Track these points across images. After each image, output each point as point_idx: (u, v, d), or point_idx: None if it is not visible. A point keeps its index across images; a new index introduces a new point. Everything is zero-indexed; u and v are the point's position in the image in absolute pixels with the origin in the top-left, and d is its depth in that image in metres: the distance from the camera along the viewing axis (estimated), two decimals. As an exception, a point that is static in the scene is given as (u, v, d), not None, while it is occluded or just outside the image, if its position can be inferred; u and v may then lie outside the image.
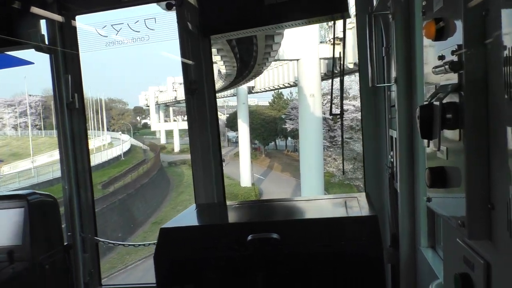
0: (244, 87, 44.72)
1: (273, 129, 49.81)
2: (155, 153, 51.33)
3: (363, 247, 2.38)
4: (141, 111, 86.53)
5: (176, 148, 64.90)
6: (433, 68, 1.42)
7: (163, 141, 72.62)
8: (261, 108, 58.45)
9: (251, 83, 44.83)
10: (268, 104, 57.54)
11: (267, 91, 44.05)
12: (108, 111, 75.54)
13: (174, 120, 73.53)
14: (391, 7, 2.64)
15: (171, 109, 74.37)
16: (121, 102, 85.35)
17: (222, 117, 67.60)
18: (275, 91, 49.50)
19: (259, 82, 43.77)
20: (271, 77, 39.14)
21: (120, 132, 56.34)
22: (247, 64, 24.90)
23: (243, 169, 40.39)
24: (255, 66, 24.85)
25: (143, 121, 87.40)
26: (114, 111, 79.49)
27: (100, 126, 59.62)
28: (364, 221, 2.56)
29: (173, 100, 62.81)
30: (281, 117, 46.26)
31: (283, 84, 36.39)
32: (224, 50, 21.61)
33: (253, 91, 47.14)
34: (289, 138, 51.48)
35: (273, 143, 56.35)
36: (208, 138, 3.70)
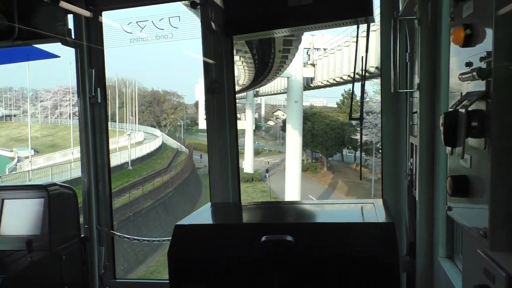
0: (298, 80, 33.69)
1: (339, 138, 39.68)
2: (187, 156, 42.56)
3: (379, 254, 2.35)
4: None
5: None
6: (460, 74, 1.39)
7: None
8: (327, 110, 47.47)
9: (309, 74, 33.77)
10: (336, 106, 46.03)
11: (332, 85, 31.60)
12: (161, 104, 70.21)
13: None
14: (418, 12, 2.60)
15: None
16: (176, 95, 74.42)
17: (285, 116, 62.37)
18: (346, 88, 37.57)
19: (321, 71, 31.70)
20: (338, 63, 27.15)
21: (127, 132, 44.01)
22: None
23: (289, 189, 30.54)
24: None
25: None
26: (167, 105, 71.78)
27: (114, 119, 53.96)
28: (381, 228, 2.52)
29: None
30: (351, 123, 35.93)
31: (358, 74, 24.17)
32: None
33: (311, 85, 34.50)
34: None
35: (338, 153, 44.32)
36: (226, 138, 3.71)
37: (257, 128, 64.27)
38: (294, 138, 32.90)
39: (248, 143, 47.26)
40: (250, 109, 49.46)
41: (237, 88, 38.99)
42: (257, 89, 47.31)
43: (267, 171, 43.25)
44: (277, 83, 41.89)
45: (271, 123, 68.12)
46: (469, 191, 1.35)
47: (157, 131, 52.73)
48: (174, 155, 44.44)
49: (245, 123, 48.81)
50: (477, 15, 1.33)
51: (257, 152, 55.15)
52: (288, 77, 35.01)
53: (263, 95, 55.01)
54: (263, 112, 72.93)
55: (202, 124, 56.58)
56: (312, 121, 41.14)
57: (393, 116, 3.36)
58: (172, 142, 51.76)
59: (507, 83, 1.17)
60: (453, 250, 2.46)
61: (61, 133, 54.21)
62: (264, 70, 27.36)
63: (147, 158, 38.59)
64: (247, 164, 44.73)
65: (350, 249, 2.38)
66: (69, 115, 60.70)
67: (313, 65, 33.87)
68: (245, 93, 49.18)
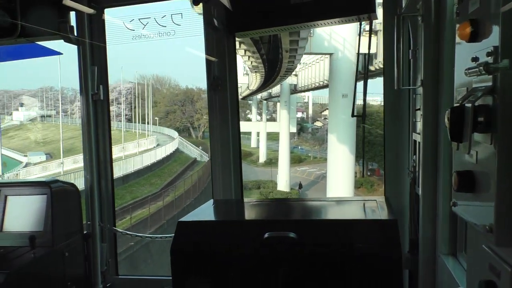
0: (349, 59, 21.46)
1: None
2: (201, 168, 30.69)
3: (381, 251, 2.35)
4: (245, 105, 60.98)
5: (262, 157, 47.66)
6: (466, 69, 1.39)
7: (253, 144, 53.82)
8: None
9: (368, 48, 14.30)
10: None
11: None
12: (195, 103, 62.05)
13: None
14: (421, 9, 2.60)
15: (278, 104, 53.42)
16: None
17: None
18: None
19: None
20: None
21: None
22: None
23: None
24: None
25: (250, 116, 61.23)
26: (201, 104, 62.37)
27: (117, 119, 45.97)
28: (383, 225, 2.53)
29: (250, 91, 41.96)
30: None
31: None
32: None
33: (373, 67, 19.74)
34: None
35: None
36: (229, 135, 3.72)
37: (303, 129, 56.88)
38: (340, 147, 22.38)
39: (283, 151, 38.65)
40: (285, 108, 41.24)
41: (248, 89, 36.80)
42: (295, 83, 39.16)
43: (300, 186, 34.52)
44: (319, 71, 29.18)
45: (318, 124, 58.71)
46: (475, 186, 1.35)
47: (175, 134, 45.04)
48: (185, 168, 32.43)
49: (279, 125, 41.38)
50: (483, 10, 1.33)
51: (298, 160, 47.10)
52: (331, 54, 21.78)
53: (303, 90, 41.62)
54: (310, 112, 65.01)
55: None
56: (369, 124, 31.70)
57: (396, 113, 3.36)
58: (191, 149, 40.79)
59: None
60: (455, 247, 2.46)
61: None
62: (274, 65, 25.84)
63: (135, 176, 26.04)
64: (282, 178, 35.63)
65: (353, 246, 2.39)
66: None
67: (376, 32, 19.98)
68: (278, 89, 42.27)
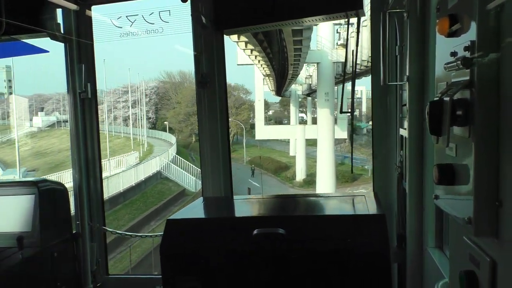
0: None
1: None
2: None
3: (370, 246, 2.37)
4: (288, 103, 53.27)
5: (300, 174, 35.35)
6: (445, 64, 1.41)
7: (292, 152, 40.59)
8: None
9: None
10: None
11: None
12: None
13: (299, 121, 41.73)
14: (407, 5, 2.62)
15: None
16: (242, 89, 53.48)
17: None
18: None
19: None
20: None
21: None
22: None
23: None
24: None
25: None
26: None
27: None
28: (372, 220, 2.56)
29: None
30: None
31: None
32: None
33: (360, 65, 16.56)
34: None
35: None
36: (218, 132, 3.72)
37: (355, 131, 43.58)
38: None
39: (324, 169, 28.29)
40: (327, 106, 29.42)
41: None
42: (342, 60, 27.77)
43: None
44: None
45: (375, 123, 49.64)
46: (455, 179, 1.36)
47: (173, 139, 37.11)
48: (139, 222, 20.25)
49: (318, 129, 30.21)
50: (461, 5, 1.34)
51: (352, 177, 32.59)
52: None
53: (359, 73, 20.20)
54: (363, 108, 52.42)
55: (261, 133, 37.10)
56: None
57: (383, 109, 3.39)
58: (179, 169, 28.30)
59: (490, 72, 1.19)
60: (442, 240, 2.49)
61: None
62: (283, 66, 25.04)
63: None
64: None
65: (342, 241, 2.41)
66: (125, 119, 44.86)
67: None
68: (314, 81, 33.31)
